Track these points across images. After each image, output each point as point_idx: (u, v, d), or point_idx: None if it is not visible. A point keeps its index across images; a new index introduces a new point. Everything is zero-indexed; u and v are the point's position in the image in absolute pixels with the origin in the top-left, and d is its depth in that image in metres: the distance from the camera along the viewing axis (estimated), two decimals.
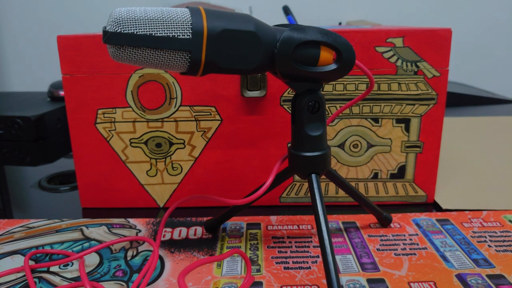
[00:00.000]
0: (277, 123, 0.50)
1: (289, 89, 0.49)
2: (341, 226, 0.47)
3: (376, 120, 0.50)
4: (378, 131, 0.50)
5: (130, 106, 0.49)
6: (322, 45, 0.34)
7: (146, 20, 0.30)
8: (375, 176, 0.52)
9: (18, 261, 0.42)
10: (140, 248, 0.43)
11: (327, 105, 0.50)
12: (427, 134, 0.51)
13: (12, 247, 0.44)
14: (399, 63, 0.48)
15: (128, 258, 0.42)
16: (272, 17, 1.45)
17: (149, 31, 0.30)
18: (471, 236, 0.45)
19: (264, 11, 1.46)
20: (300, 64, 0.34)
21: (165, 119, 0.50)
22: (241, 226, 0.48)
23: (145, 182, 0.52)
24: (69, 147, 0.78)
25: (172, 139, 0.50)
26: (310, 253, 0.42)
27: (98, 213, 0.52)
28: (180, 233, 0.46)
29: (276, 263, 0.40)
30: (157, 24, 0.30)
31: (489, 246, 0.43)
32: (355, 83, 0.49)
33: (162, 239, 0.45)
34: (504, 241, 0.44)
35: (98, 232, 0.47)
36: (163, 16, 0.30)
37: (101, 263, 0.41)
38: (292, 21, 0.82)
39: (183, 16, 0.30)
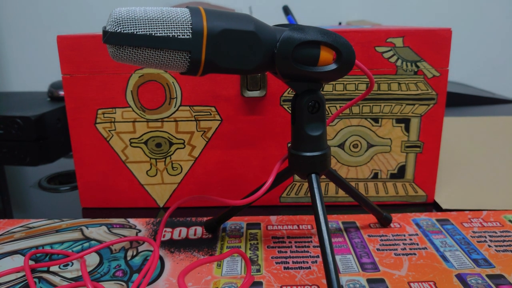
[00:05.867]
0: (277, 123, 0.50)
1: (289, 89, 0.49)
2: (341, 226, 0.47)
3: (376, 120, 0.50)
4: (378, 131, 0.50)
5: (130, 106, 0.49)
6: (322, 45, 0.34)
7: (146, 20, 0.30)
8: (375, 176, 0.52)
9: (18, 261, 0.42)
10: (140, 248, 0.43)
11: (327, 105, 0.50)
12: (427, 134, 0.51)
13: (12, 247, 0.44)
14: (399, 63, 0.48)
15: (128, 258, 0.42)
16: (272, 17, 1.45)
17: (149, 31, 0.30)
18: (471, 236, 0.45)
19: (264, 11, 1.46)
20: (300, 64, 0.34)
21: (165, 119, 0.50)
22: (241, 226, 0.48)
23: (145, 182, 0.52)
24: (69, 147, 0.78)
25: (172, 139, 0.50)
26: (310, 253, 0.42)
27: (98, 213, 0.52)
28: (180, 233, 0.46)
29: (276, 263, 0.40)
30: (157, 24, 0.30)
31: (489, 246, 0.43)
32: (355, 83, 0.49)
33: (162, 239, 0.45)
34: (504, 241, 0.44)
35: (98, 232, 0.47)
36: (163, 16, 0.30)
37: (101, 263, 0.41)
38: (292, 21, 0.82)
39: (183, 16, 0.30)
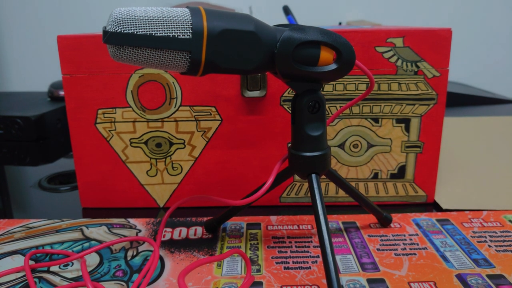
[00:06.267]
0: (277, 123, 0.50)
1: (289, 89, 0.49)
2: (341, 226, 0.47)
3: (376, 120, 0.50)
4: (378, 131, 0.50)
5: (130, 106, 0.49)
6: (322, 45, 0.34)
7: (146, 20, 0.30)
8: (375, 176, 0.52)
9: (18, 261, 0.42)
10: (140, 248, 0.43)
11: (327, 105, 0.50)
12: (427, 134, 0.51)
13: (12, 247, 0.44)
14: (399, 63, 0.48)
15: (128, 258, 0.42)
16: (272, 17, 1.45)
17: (149, 31, 0.30)
18: (471, 236, 0.45)
19: (264, 11, 1.46)
20: (300, 64, 0.34)
21: (165, 119, 0.50)
22: (241, 226, 0.48)
23: (145, 182, 0.52)
24: (69, 147, 0.78)
25: (172, 139, 0.50)
26: (310, 253, 0.42)
27: (98, 213, 0.52)
28: (180, 233, 0.46)
29: (276, 263, 0.40)
30: (157, 24, 0.30)
31: (489, 246, 0.43)
32: (355, 83, 0.49)
33: (162, 239, 0.45)
34: (504, 241, 0.44)
35: (98, 232, 0.47)
36: (163, 16, 0.30)
37: (101, 263, 0.41)
38: (292, 21, 0.82)
39: (183, 16, 0.30)
